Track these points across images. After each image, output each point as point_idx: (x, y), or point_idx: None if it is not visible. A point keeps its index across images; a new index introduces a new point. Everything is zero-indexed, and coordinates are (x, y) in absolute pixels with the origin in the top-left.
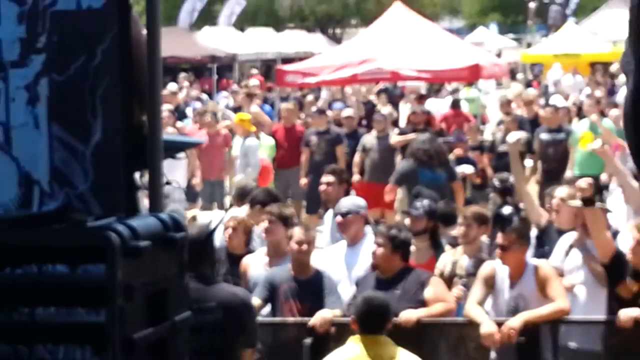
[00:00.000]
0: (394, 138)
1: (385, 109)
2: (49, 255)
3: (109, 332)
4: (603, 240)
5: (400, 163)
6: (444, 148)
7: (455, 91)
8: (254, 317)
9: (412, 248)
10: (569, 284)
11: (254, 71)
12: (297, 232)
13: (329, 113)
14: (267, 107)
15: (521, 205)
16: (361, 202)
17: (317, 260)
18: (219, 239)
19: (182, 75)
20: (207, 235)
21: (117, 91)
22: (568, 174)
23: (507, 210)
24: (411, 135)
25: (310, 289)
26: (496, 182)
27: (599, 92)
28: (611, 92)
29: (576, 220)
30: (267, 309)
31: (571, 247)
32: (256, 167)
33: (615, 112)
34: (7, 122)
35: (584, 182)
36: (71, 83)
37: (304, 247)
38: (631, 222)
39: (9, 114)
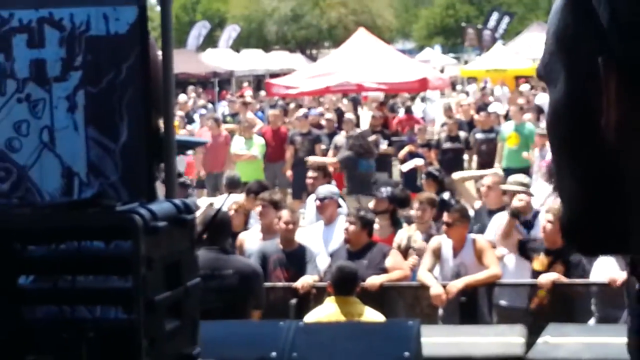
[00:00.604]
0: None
1: (349, 114)
2: (86, 234)
3: (135, 295)
4: (510, 241)
5: (342, 153)
6: (371, 144)
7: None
8: (262, 284)
9: (376, 226)
10: (499, 254)
11: (245, 84)
12: (284, 214)
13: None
14: (259, 113)
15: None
16: (335, 189)
17: (300, 236)
18: None
19: (190, 87)
20: (212, 218)
21: (139, 100)
22: (496, 166)
23: (446, 195)
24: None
25: (295, 259)
26: (434, 172)
27: (522, 100)
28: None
29: (504, 200)
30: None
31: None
32: None
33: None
34: (51, 126)
35: (521, 202)
36: (103, 94)
37: (290, 226)
38: (546, 205)
39: (53, 119)
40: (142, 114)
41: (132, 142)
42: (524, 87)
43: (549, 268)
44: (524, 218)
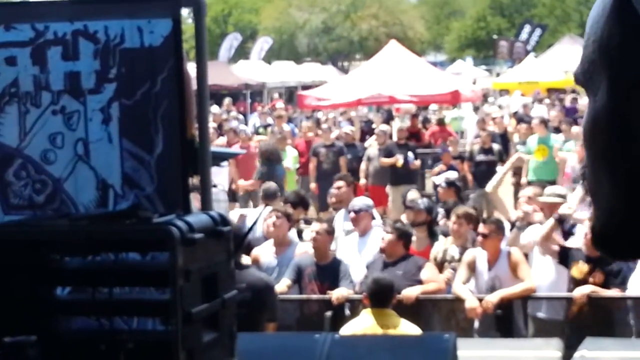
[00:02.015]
0: (382, 160)
1: (383, 125)
2: (123, 245)
3: (173, 307)
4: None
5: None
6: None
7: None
8: (275, 297)
9: (413, 238)
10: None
11: (276, 96)
12: (314, 225)
13: (337, 130)
14: (292, 125)
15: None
16: (369, 202)
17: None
18: (259, 230)
19: (227, 100)
20: (247, 231)
21: (173, 112)
22: (523, 180)
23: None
24: (393, 159)
25: (328, 272)
26: (453, 180)
27: (554, 112)
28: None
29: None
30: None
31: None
32: None
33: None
34: (86, 138)
35: (566, 209)
36: (137, 106)
37: (320, 236)
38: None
39: (88, 131)
40: (177, 126)
41: (167, 154)
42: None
43: (588, 276)
44: (564, 227)
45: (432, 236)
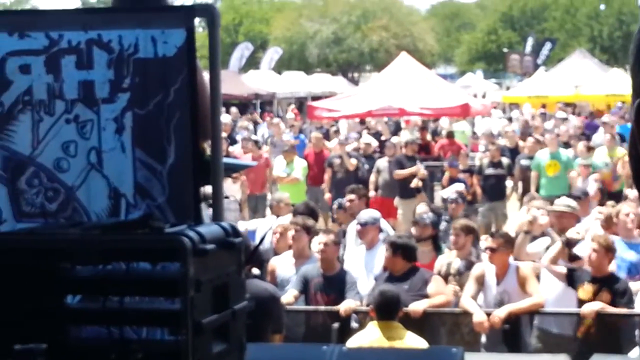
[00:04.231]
0: (397, 172)
1: (395, 137)
2: (134, 255)
3: (183, 317)
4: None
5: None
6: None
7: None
8: (281, 308)
9: (419, 251)
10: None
11: (291, 107)
12: (321, 236)
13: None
14: (302, 136)
15: None
16: (376, 214)
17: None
18: (268, 241)
19: (233, 109)
20: (258, 243)
21: (186, 123)
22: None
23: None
24: (410, 170)
25: (335, 283)
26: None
27: (564, 127)
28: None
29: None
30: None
31: (549, 247)
32: None
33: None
34: (99, 147)
35: (578, 234)
36: (150, 116)
37: (325, 247)
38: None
39: (101, 140)
40: (190, 137)
41: (179, 165)
42: (560, 114)
43: (594, 296)
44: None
45: (437, 250)
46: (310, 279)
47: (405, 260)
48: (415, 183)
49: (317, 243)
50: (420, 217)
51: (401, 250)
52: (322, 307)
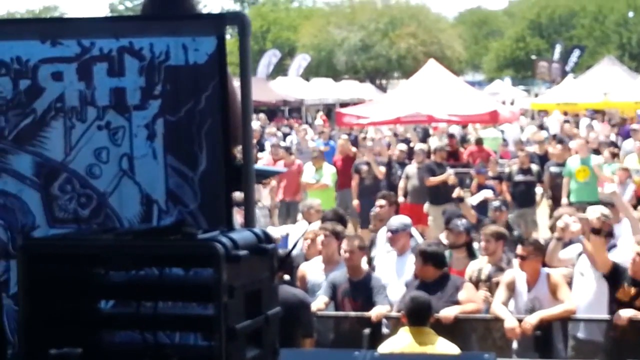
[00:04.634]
0: (430, 179)
1: (419, 144)
2: (167, 261)
3: (217, 323)
4: (602, 259)
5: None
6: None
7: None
8: (310, 313)
9: (453, 257)
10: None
11: (320, 114)
12: (346, 242)
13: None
14: (332, 142)
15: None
16: (407, 220)
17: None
18: (299, 248)
19: (261, 115)
20: (290, 249)
21: (217, 129)
22: (564, 201)
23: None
24: (443, 177)
25: (362, 288)
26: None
27: (593, 134)
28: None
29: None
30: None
31: (580, 254)
32: None
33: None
34: (131, 154)
35: (596, 216)
36: (182, 123)
37: (349, 254)
38: (635, 237)
39: (133, 147)
40: (221, 143)
41: (211, 171)
42: (584, 122)
43: (633, 299)
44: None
45: (472, 256)
46: (338, 285)
47: (435, 268)
48: (457, 193)
49: (342, 250)
50: (454, 225)
51: (431, 259)
52: (353, 313)
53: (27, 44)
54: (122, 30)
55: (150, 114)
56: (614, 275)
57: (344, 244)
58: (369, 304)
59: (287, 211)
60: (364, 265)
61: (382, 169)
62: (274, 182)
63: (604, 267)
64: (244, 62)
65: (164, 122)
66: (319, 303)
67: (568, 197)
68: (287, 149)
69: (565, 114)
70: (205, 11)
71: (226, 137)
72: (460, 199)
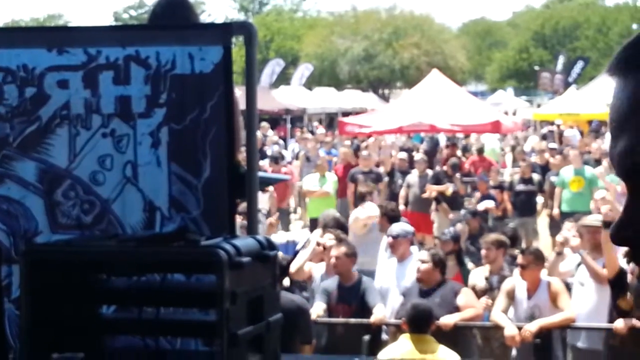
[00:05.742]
0: (428, 186)
1: (419, 154)
2: (171, 267)
3: (218, 329)
4: (612, 257)
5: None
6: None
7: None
8: (309, 319)
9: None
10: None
11: (316, 123)
12: (333, 249)
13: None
14: (334, 150)
15: None
16: (408, 228)
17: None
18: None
19: (263, 124)
20: (292, 256)
21: (222, 138)
22: (555, 211)
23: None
24: (442, 187)
25: (353, 293)
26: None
27: (596, 145)
28: None
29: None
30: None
31: (579, 264)
32: None
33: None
34: (135, 161)
35: (606, 209)
36: (186, 131)
37: (335, 260)
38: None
39: (137, 154)
40: (225, 152)
41: (214, 179)
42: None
43: (635, 307)
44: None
45: (461, 264)
46: (331, 291)
47: (440, 274)
48: (429, 194)
49: (330, 257)
50: (441, 233)
51: (441, 264)
52: (353, 320)
53: (33, 52)
54: (128, 38)
55: (155, 122)
56: (619, 281)
57: (332, 251)
58: (364, 308)
59: (279, 218)
60: (354, 270)
61: (386, 179)
62: (271, 188)
63: (612, 267)
64: (250, 72)
65: (169, 130)
66: (318, 310)
67: (560, 206)
68: (275, 159)
69: (551, 123)
70: (210, 20)
71: (231, 145)
72: (437, 200)
